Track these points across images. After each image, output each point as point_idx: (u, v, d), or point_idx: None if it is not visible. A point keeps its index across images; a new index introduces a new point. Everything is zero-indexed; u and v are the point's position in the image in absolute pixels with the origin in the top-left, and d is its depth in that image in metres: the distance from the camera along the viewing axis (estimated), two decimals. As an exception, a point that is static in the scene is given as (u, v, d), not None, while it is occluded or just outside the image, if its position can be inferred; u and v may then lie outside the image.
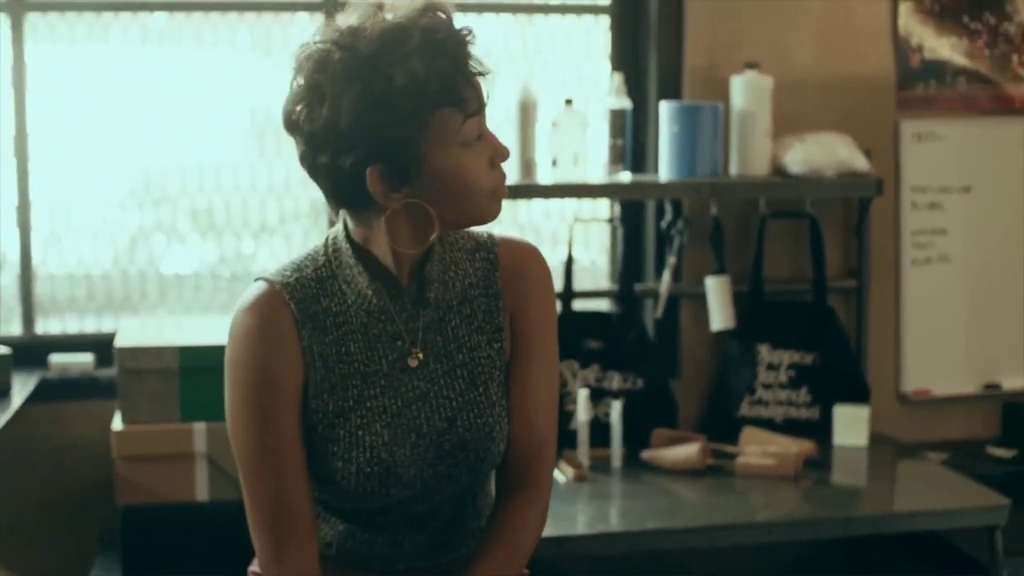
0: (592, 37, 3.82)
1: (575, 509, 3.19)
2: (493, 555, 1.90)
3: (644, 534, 3.07)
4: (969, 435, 3.90)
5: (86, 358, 3.52)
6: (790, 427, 3.64)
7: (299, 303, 1.82)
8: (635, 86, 3.71)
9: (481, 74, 1.77)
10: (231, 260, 3.70)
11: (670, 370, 3.75)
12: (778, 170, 3.61)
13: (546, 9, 3.80)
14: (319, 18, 3.48)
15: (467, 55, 1.76)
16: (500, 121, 3.63)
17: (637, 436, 3.50)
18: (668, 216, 3.67)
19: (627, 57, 3.77)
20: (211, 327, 3.36)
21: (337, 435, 1.82)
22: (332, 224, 1.92)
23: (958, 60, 3.85)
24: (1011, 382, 3.95)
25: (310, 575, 1.83)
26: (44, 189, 3.60)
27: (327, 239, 1.88)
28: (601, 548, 3.15)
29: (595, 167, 3.57)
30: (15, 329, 3.61)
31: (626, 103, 3.54)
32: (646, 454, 3.45)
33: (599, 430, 3.47)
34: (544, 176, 3.50)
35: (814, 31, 3.75)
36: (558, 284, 3.68)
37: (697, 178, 3.51)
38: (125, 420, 3.19)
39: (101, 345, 3.54)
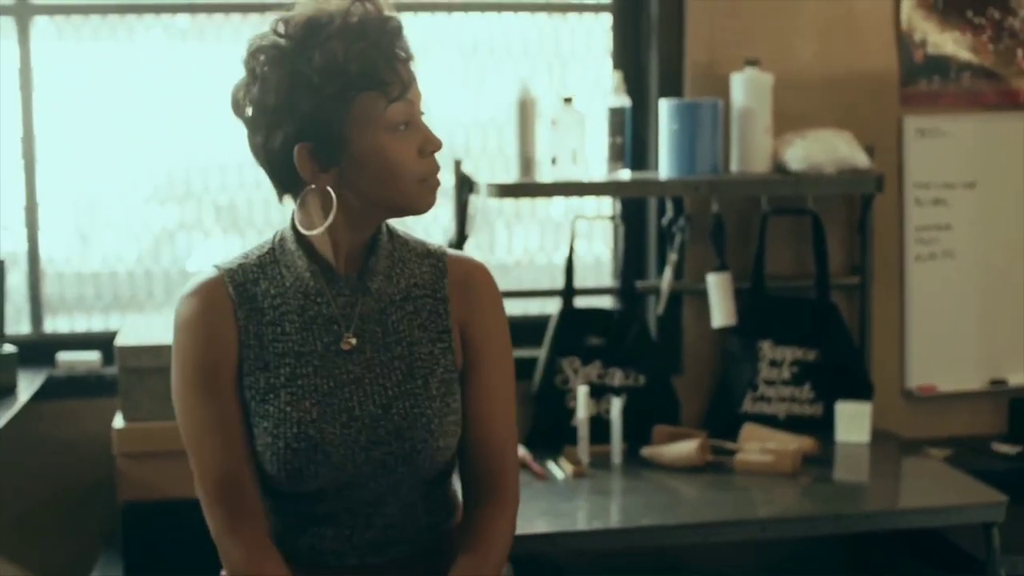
0: (593, 35, 3.83)
1: (574, 505, 3.21)
2: (464, 566, 1.95)
3: (641, 530, 3.08)
4: (975, 431, 3.89)
5: (93, 356, 3.57)
6: (793, 424, 3.64)
7: (238, 287, 1.91)
8: (636, 84, 3.72)
9: (404, 60, 1.84)
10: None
11: (672, 367, 3.76)
12: (778, 167, 3.61)
13: (548, 7, 3.82)
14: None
15: (390, 41, 1.83)
16: (502, 119, 3.66)
17: (639, 433, 3.51)
18: (669, 213, 3.68)
19: (628, 55, 3.78)
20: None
21: (268, 411, 1.88)
22: None
23: (962, 55, 3.83)
24: (1017, 378, 3.93)
25: (262, 544, 1.89)
26: (67, 188, 3.64)
27: (278, 231, 1.96)
28: (599, 544, 3.17)
29: (596, 165, 3.59)
30: (24, 328, 3.65)
31: (625, 101, 3.55)
32: (646, 451, 3.47)
33: (601, 427, 3.49)
34: (544, 174, 3.52)
35: (816, 27, 3.75)
36: (560, 281, 3.70)
37: (696, 175, 3.52)
38: (126, 418, 3.24)
39: (110, 344, 3.58)
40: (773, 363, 3.70)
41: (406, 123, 1.85)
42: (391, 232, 1.97)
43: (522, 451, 3.45)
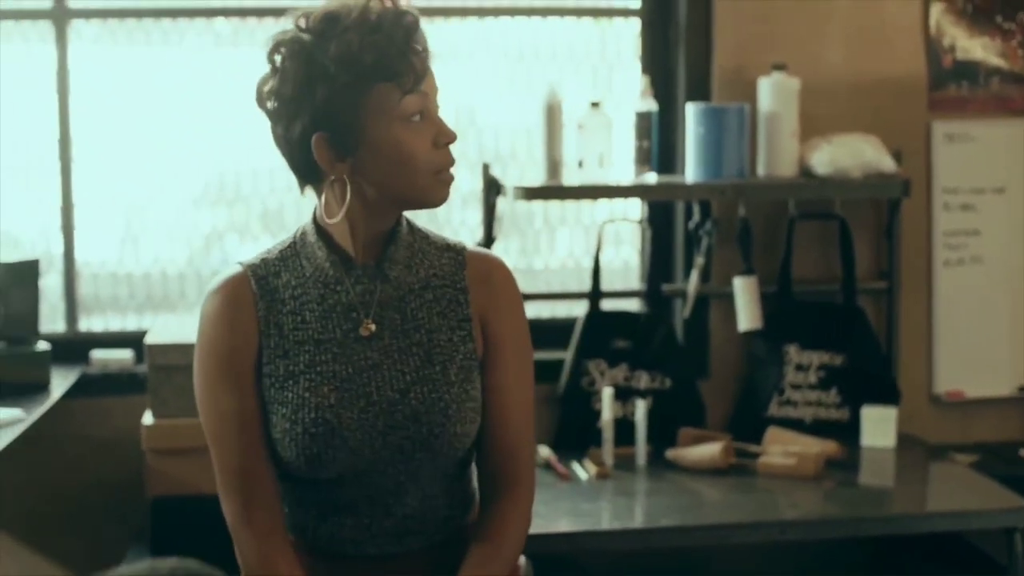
0: (622, 40, 3.85)
1: (597, 506, 3.23)
2: (477, 556, 1.97)
3: (663, 531, 3.11)
4: (1002, 437, 3.87)
5: (126, 354, 3.63)
6: (819, 428, 3.65)
7: (259, 280, 1.95)
8: (664, 88, 3.75)
9: (418, 52, 1.87)
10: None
11: (698, 370, 3.77)
12: (805, 171, 3.63)
13: (579, 12, 3.85)
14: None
15: (405, 34, 1.87)
16: (532, 124, 3.69)
17: (664, 436, 3.53)
18: (696, 217, 3.69)
19: (656, 59, 3.80)
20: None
21: (286, 398, 1.92)
22: None
23: (991, 60, 3.83)
24: (1046, 384, 3.92)
25: (277, 534, 1.94)
26: (105, 191, 3.71)
27: (300, 226, 2.00)
28: (621, 544, 3.20)
29: (623, 169, 3.61)
30: (59, 326, 3.72)
31: (652, 105, 3.58)
32: (670, 453, 3.48)
33: (627, 430, 3.51)
34: (571, 177, 3.55)
35: (844, 32, 3.76)
36: (587, 283, 3.72)
37: (723, 179, 3.54)
38: (155, 414, 3.29)
39: (143, 343, 3.64)
40: (799, 367, 3.71)
41: (420, 114, 1.89)
42: (411, 224, 2.00)
43: (547, 452, 3.48)
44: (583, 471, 3.42)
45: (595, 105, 3.55)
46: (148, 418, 3.30)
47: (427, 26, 1.92)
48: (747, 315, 3.64)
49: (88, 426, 3.59)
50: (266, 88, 1.92)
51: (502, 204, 3.61)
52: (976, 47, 3.82)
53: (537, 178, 3.58)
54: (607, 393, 3.49)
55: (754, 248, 3.68)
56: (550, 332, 3.71)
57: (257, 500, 1.93)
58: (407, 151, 1.88)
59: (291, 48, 1.88)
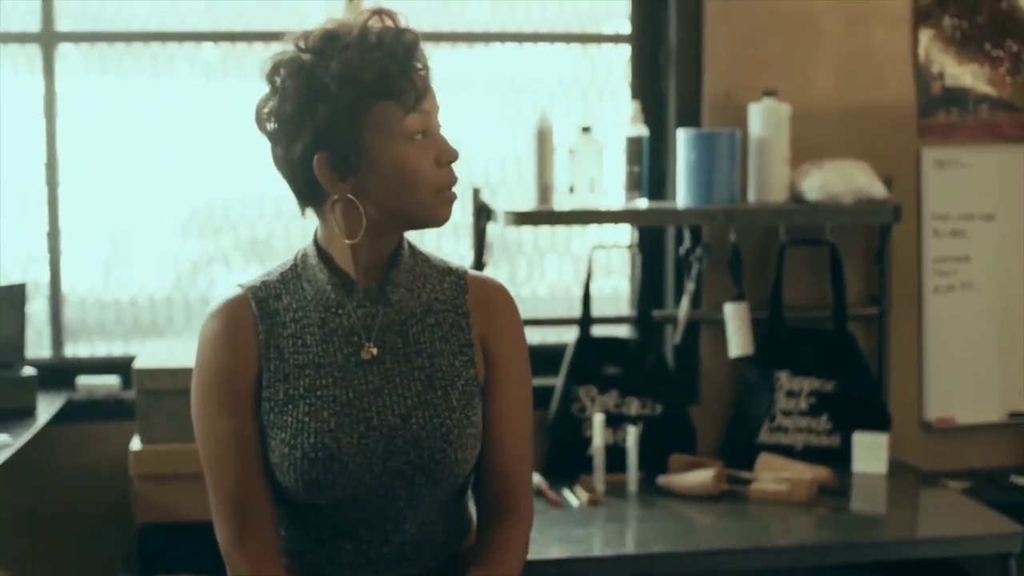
0: (613, 66, 3.86)
1: (588, 532, 3.21)
2: None
3: (655, 557, 3.08)
4: (993, 464, 3.87)
5: (112, 380, 3.60)
6: (810, 454, 3.63)
7: (260, 303, 1.93)
8: (655, 113, 3.75)
9: (418, 70, 1.86)
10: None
11: (689, 396, 3.76)
12: (796, 197, 3.62)
13: (569, 39, 3.85)
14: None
15: (406, 52, 1.86)
16: (522, 150, 3.69)
17: (655, 462, 3.52)
18: (687, 243, 3.69)
19: (647, 85, 3.80)
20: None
21: (286, 422, 1.90)
22: None
23: (980, 87, 3.84)
24: (1036, 411, 3.92)
25: (270, 559, 1.91)
26: (96, 218, 3.69)
27: (300, 248, 1.98)
28: (613, 570, 3.15)
29: (614, 194, 3.60)
30: (44, 352, 3.69)
31: (643, 131, 3.58)
32: (662, 479, 3.47)
33: (618, 456, 3.49)
34: (561, 203, 3.54)
35: (834, 59, 3.76)
36: (576, 310, 3.71)
37: (714, 205, 3.53)
38: (143, 440, 3.26)
39: (129, 368, 3.61)
40: (790, 393, 3.70)
41: (422, 133, 1.88)
42: (412, 248, 1.99)
43: (538, 479, 3.45)
44: (574, 498, 3.39)
45: (586, 130, 3.54)
46: (136, 444, 3.27)
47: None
48: (738, 341, 3.63)
49: (74, 452, 3.56)
50: (266, 109, 1.90)
51: (492, 230, 3.59)
52: (965, 74, 3.83)
53: (527, 204, 3.57)
54: (598, 419, 3.47)
55: (744, 274, 3.67)
56: (540, 358, 3.65)
57: (252, 524, 1.90)
58: (409, 169, 1.87)
59: (291, 68, 1.86)
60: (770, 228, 3.73)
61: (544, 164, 3.52)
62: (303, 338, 1.92)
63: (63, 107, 3.65)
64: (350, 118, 1.84)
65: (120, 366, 3.64)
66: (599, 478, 3.45)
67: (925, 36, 3.80)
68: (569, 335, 3.75)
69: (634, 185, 3.58)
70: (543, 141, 3.52)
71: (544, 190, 3.53)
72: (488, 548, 1.99)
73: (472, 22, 3.80)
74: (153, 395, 3.24)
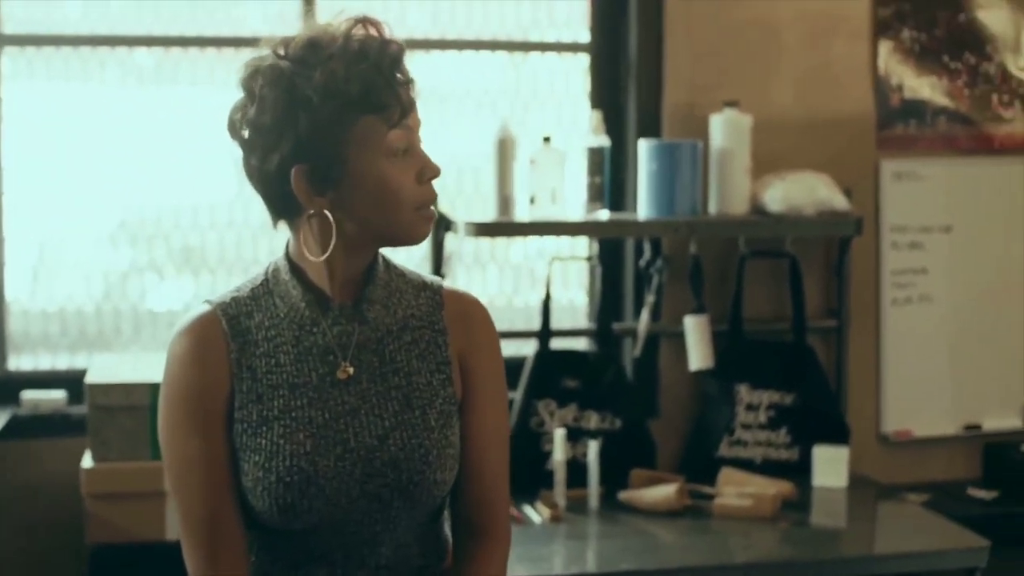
0: (572, 75, 3.81)
1: (550, 550, 3.16)
2: None
3: (620, 575, 3.04)
4: (950, 476, 3.88)
5: (58, 395, 3.49)
6: (769, 468, 3.61)
7: (231, 320, 1.86)
8: (615, 124, 3.70)
9: (404, 84, 1.81)
10: (218, 297, 3.67)
11: (648, 410, 3.72)
12: (757, 209, 3.60)
13: (526, 47, 3.80)
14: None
15: (391, 64, 1.80)
16: (479, 159, 3.63)
17: (615, 476, 3.47)
18: (647, 255, 3.65)
19: (606, 95, 3.76)
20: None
21: (260, 444, 1.83)
22: None
23: (938, 100, 3.85)
24: (992, 423, 3.93)
25: None
26: (29, 226, 3.59)
27: (271, 262, 1.92)
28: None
29: (574, 205, 3.56)
30: (-14, 365, 3.58)
31: (604, 141, 3.53)
32: (623, 495, 3.42)
33: (577, 470, 3.45)
34: (522, 214, 3.49)
35: (794, 71, 3.75)
36: (536, 323, 3.66)
37: (676, 216, 3.50)
38: (95, 457, 3.16)
39: (75, 382, 3.51)
40: (750, 407, 3.67)
41: (406, 149, 1.82)
42: (387, 262, 1.93)
43: (498, 494, 3.40)
44: (535, 514, 3.34)
45: (547, 140, 3.49)
46: (88, 461, 3.17)
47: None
48: (698, 354, 3.60)
49: (20, 470, 3.45)
50: (240, 116, 1.83)
51: (450, 240, 3.54)
52: (924, 86, 3.83)
53: (482, 216, 3.51)
54: (559, 434, 3.42)
55: (705, 286, 3.64)
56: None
57: (223, 550, 1.83)
58: (392, 187, 1.80)
59: (270, 76, 1.79)
60: (730, 240, 3.71)
61: (504, 175, 3.47)
62: (276, 357, 1.85)
63: (5, 112, 3.54)
64: (332, 131, 1.77)
65: (66, 380, 3.53)
66: (560, 493, 3.40)
67: (884, 48, 3.80)
68: (527, 348, 3.70)
69: (595, 196, 3.53)
70: (504, 151, 3.46)
71: (504, 201, 3.47)
72: (466, 571, 1.94)
73: (429, 30, 3.74)
74: (106, 411, 3.14)
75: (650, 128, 3.69)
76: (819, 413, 3.67)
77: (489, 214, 3.50)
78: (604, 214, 3.54)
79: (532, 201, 3.49)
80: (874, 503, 3.55)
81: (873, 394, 3.86)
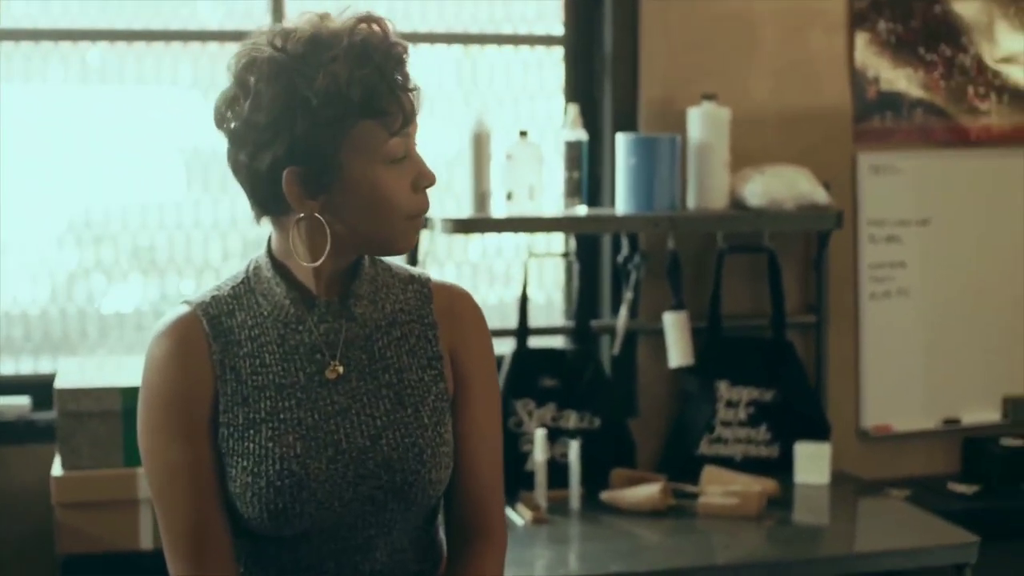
0: (547, 69, 3.75)
1: (533, 553, 3.10)
2: None
3: (606, 578, 2.99)
4: (930, 471, 3.85)
5: (23, 401, 3.39)
6: (749, 465, 3.57)
7: (211, 320, 1.79)
8: (590, 118, 3.64)
9: (408, 90, 1.74)
10: (173, 299, 3.58)
11: (628, 408, 3.67)
12: (737, 203, 3.56)
13: (499, 40, 3.73)
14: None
15: (395, 68, 1.73)
16: (453, 154, 3.56)
17: (594, 476, 3.42)
18: (624, 251, 3.60)
19: (582, 89, 3.70)
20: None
21: (247, 449, 1.76)
22: None
23: (914, 92, 3.82)
24: (971, 417, 3.91)
25: None
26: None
27: (251, 259, 1.85)
28: (562, 593, 3.07)
29: (551, 200, 3.50)
30: (-52, 371, 3.47)
31: (582, 135, 3.48)
32: (605, 495, 3.37)
33: (555, 471, 3.39)
34: (498, 209, 3.42)
35: (770, 64, 3.71)
36: (513, 321, 3.60)
37: (654, 211, 3.44)
38: (65, 465, 3.06)
39: (39, 387, 3.40)
40: (730, 404, 3.63)
41: (404, 156, 1.75)
42: (372, 256, 1.85)
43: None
44: (517, 516, 3.28)
45: (523, 135, 3.43)
46: (57, 469, 3.07)
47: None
48: (678, 351, 3.55)
49: (-15, 479, 3.35)
50: (228, 108, 1.75)
51: (426, 237, 3.47)
52: (900, 78, 3.80)
53: (456, 211, 3.44)
54: (540, 434, 3.36)
55: (683, 282, 3.59)
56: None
57: (210, 561, 1.76)
58: (387, 195, 1.73)
59: (267, 70, 1.71)
60: (708, 235, 3.66)
61: (480, 170, 3.40)
62: (261, 357, 1.78)
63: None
64: (329, 135, 1.70)
65: (31, 385, 3.43)
66: (541, 494, 3.34)
67: (861, 40, 3.76)
68: (504, 347, 3.63)
69: (573, 191, 3.47)
70: (480, 146, 3.40)
71: (481, 197, 3.40)
72: (463, 574, 1.87)
73: (401, 23, 3.65)
74: (76, 417, 3.04)
75: (626, 122, 3.63)
76: (799, 409, 3.64)
77: (462, 212, 3.44)
78: (582, 209, 3.48)
79: (509, 197, 3.42)
80: (857, 499, 3.52)
81: (852, 389, 3.83)
